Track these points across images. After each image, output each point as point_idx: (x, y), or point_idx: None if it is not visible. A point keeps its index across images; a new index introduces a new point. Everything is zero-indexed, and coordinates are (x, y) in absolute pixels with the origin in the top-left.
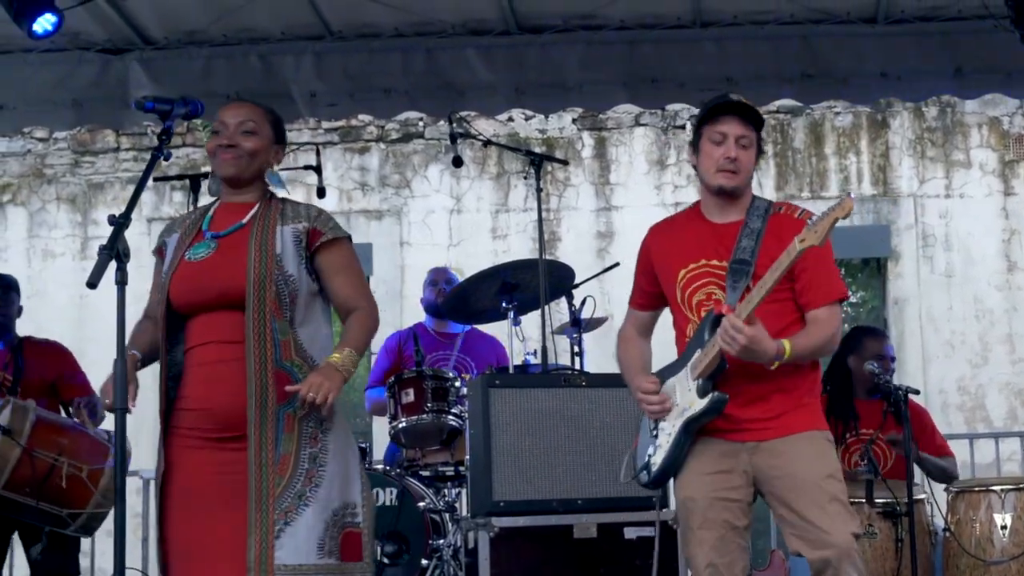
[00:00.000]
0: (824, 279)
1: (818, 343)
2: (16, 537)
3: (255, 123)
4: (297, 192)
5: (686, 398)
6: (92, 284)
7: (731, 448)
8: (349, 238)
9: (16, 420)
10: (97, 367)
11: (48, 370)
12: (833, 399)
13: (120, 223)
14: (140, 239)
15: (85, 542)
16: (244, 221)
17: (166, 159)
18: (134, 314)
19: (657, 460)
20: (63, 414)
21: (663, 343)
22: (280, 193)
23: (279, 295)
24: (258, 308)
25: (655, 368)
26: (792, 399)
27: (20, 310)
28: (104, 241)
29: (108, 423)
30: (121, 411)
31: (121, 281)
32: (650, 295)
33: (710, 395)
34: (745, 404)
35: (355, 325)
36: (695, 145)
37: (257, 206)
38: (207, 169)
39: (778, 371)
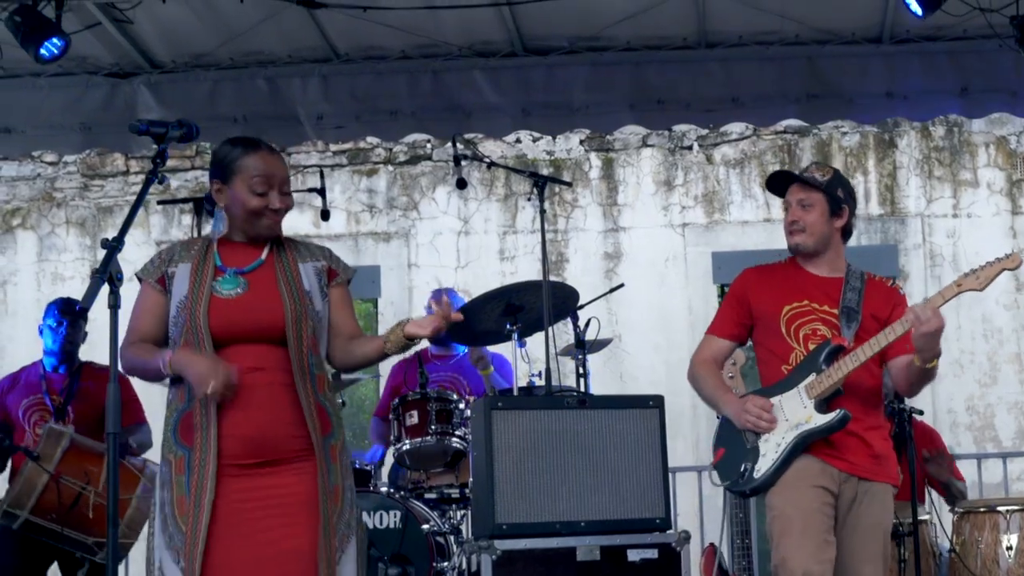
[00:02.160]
0: None
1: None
2: (56, 568)
3: (288, 181)
4: (305, 215)
5: (800, 414)
6: (84, 308)
7: (829, 470)
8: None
9: (48, 446)
10: None
11: (102, 395)
12: None
13: (113, 247)
14: None
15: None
16: (263, 258)
17: (161, 182)
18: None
19: (762, 468)
20: None
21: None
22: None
23: (314, 332)
24: (297, 343)
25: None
26: (884, 444)
27: (85, 336)
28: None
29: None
30: (113, 435)
31: (114, 305)
32: (741, 327)
33: (837, 411)
34: (846, 434)
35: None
36: None
37: (269, 243)
38: None
39: (875, 411)
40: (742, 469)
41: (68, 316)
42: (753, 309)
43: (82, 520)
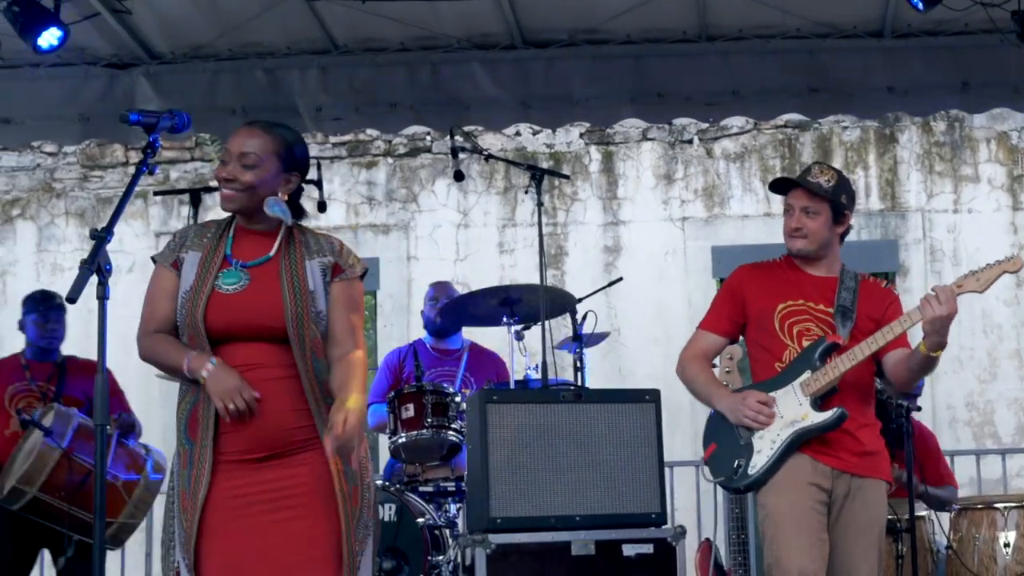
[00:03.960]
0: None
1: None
2: (47, 556)
3: (256, 155)
4: (304, 205)
5: (796, 412)
6: (72, 299)
7: (822, 468)
8: (364, 274)
9: (58, 423)
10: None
11: (88, 387)
12: None
13: (102, 237)
14: (148, 253)
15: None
16: (272, 253)
17: (151, 173)
18: (118, 327)
19: (757, 464)
20: None
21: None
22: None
23: (318, 333)
24: (300, 342)
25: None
26: (876, 441)
27: (65, 323)
28: (109, 255)
29: (145, 437)
30: (100, 427)
31: (102, 296)
32: (734, 323)
33: (834, 409)
34: (839, 431)
35: (361, 372)
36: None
37: (280, 236)
38: (214, 184)
39: (868, 408)
40: (735, 465)
41: (51, 309)
42: (747, 306)
43: (90, 498)
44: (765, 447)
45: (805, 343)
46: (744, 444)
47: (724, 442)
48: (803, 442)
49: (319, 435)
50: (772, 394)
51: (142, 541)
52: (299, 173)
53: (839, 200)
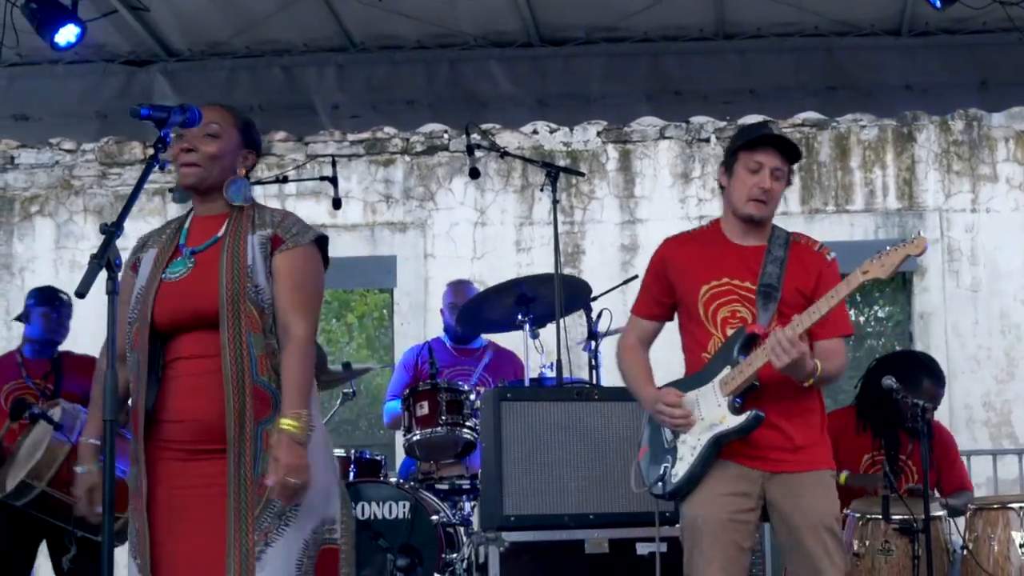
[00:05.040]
0: (839, 313)
1: (836, 370)
2: (44, 550)
3: (218, 125)
4: (321, 204)
5: (715, 413)
6: (81, 293)
7: (747, 473)
8: (317, 240)
9: (67, 418)
10: None
11: (86, 383)
12: (876, 424)
13: (112, 232)
14: None
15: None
16: (220, 234)
17: (162, 168)
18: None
19: (679, 472)
20: None
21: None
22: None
23: (255, 310)
24: (233, 324)
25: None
26: (809, 433)
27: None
28: (126, 252)
29: None
30: (109, 423)
31: (111, 291)
32: (663, 305)
33: (748, 412)
34: (766, 428)
35: (296, 368)
36: (728, 166)
37: (230, 216)
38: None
39: (799, 400)
40: (661, 472)
41: (62, 304)
42: (673, 287)
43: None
44: (686, 453)
45: (729, 331)
46: (669, 447)
47: (653, 444)
48: (726, 445)
49: (241, 436)
50: (694, 392)
51: None
52: (255, 152)
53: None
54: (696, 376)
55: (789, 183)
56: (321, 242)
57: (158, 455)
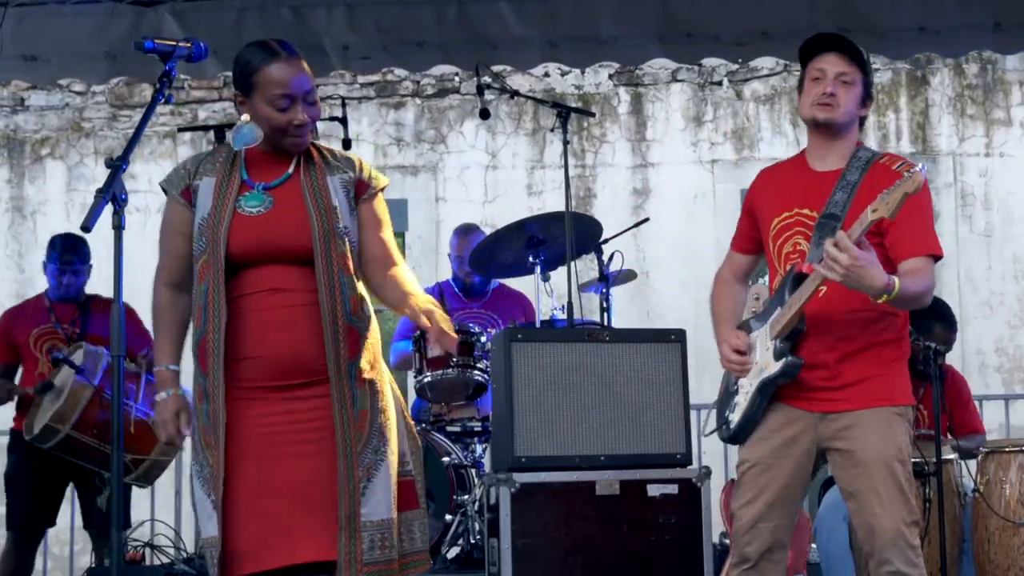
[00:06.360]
0: (920, 230)
1: (921, 289)
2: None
3: (314, 88)
4: (331, 145)
5: (764, 357)
6: (86, 227)
7: (798, 415)
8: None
9: (89, 362)
10: None
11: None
12: None
13: (117, 166)
14: None
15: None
16: (291, 171)
17: (167, 102)
18: (149, 266)
19: (735, 418)
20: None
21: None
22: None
23: (346, 248)
24: (327, 262)
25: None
26: (869, 368)
27: (90, 269)
28: (138, 194)
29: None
30: (117, 358)
31: (118, 226)
32: (752, 239)
33: (785, 359)
34: (814, 368)
35: (410, 278)
36: (800, 85)
37: (297, 155)
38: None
39: (861, 334)
40: (725, 416)
41: (70, 262)
42: (759, 220)
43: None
44: (742, 399)
45: (788, 268)
46: (733, 391)
47: (725, 386)
48: (778, 389)
49: (339, 374)
50: (755, 334)
51: (172, 479)
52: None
53: (870, 76)
54: (761, 315)
55: (869, 96)
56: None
57: (232, 395)
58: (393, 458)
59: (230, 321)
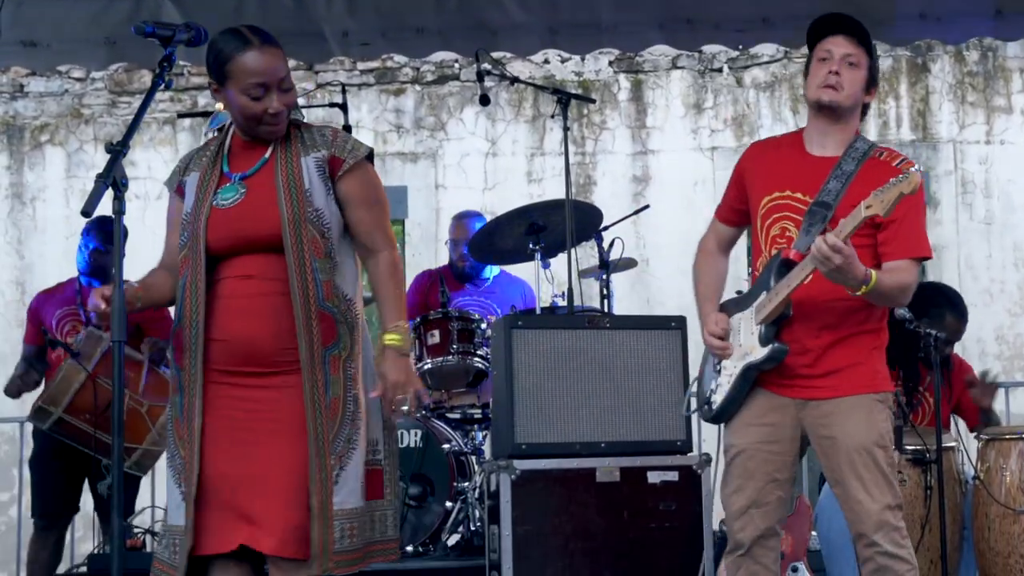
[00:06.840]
0: (912, 233)
1: (898, 286)
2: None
3: (289, 75)
4: None
5: (748, 341)
6: (87, 212)
7: (780, 402)
8: (370, 155)
9: (87, 346)
10: None
11: (134, 313)
12: (893, 356)
13: (117, 151)
14: None
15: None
16: (267, 156)
17: (167, 87)
18: (153, 253)
19: (718, 399)
20: None
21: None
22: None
23: (317, 233)
24: (297, 249)
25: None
26: (850, 355)
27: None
28: (137, 181)
29: None
30: (118, 343)
31: (118, 211)
32: (736, 211)
33: (771, 345)
34: (797, 354)
35: (391, 284)
36: (806, 68)
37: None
38: None
39: (843, 323)
40: (708, 395)
41: (102, 238)
42: (747, 195)
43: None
44: (725, 380)
45: (773, 251)
46: (715, 371)
47: (706, 366)
48: (760, 374)
49: (312, 361)
50: (738, 317)
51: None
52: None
53: (876, 61)
54: (745, 297)
55: (875, 82)
56: (370, 154)
57: (206, 380)
58: (363, 445)
59: (210, 304)
